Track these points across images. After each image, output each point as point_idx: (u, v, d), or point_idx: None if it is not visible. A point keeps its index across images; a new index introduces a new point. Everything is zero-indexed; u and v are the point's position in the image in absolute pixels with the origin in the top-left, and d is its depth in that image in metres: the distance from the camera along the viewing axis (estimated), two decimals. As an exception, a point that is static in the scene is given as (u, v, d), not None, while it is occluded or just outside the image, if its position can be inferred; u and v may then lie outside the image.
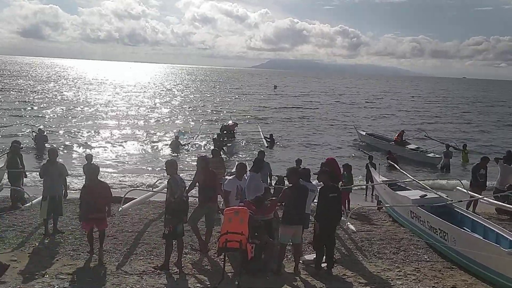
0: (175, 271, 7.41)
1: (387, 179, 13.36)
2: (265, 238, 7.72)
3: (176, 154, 21.69)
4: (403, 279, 7.51)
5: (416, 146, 23.74)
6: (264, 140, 24.53)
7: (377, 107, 56.31)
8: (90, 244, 8.09)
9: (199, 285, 7.00)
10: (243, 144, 25.16)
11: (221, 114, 39.80)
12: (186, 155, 21.66)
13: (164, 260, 7.53)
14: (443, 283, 7.41)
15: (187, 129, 28.64)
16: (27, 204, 9.88)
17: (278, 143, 25.85)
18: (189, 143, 23.00)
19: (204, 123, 33.40)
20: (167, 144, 23.70)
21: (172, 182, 7.42)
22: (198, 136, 25.37)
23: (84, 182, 9.68)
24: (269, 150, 22.04)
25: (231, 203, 8.19)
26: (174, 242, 7.59)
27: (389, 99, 73.18)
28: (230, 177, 9.07)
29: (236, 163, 10.36)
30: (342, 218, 9.00)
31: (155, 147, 23.63)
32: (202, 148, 23.20)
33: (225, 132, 23.88)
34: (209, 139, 24.90)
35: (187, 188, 7.68)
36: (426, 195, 10.58)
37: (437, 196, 10.55)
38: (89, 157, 11.80)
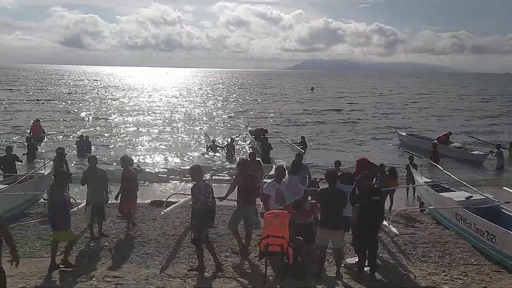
0: (218, 274, 7.47)
1: (429, 180, 13.01)
2: (302, 242, 7.66)
3: (214, 157, 22.05)
4: (450, 283, 7.30)
5: (461, 145, 23.01)
6: (294, 145, 24.30)
7: (422, 107, 53.75)
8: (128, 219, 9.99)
9: (241, 288, 7.04)
10: (280, 148, 25.05)
11: (255, 118, 39.87)
12: (224, 158, 21.84)
13: (198, 262, 7.64)
14: (491, 287, 7.16)
15: (218, 134, 28.97)
16: (74, 209, 10.18)
17: (311, 145, 25.66)
18: (224, 146, 23.11)
19: (240, 125, 33.68)
20: (206, 148, 23.92)
21: (195, 189, 7.45)
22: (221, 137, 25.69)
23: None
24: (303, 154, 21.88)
25: (271, 206, 8.20)
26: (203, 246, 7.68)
27: (433, 98, 70.25)
28: (269, 181, 9.08)
29: (275, 166, 10.34)
30: (384, 222, 8.85)
31: (196, 151, 23.93)
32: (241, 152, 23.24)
33: (262, 136, 23.80)
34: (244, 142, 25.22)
35: (212, 193, 7.60)
36: (472, 197, 10.25)
37: (483, 197, 10.20)
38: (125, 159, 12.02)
